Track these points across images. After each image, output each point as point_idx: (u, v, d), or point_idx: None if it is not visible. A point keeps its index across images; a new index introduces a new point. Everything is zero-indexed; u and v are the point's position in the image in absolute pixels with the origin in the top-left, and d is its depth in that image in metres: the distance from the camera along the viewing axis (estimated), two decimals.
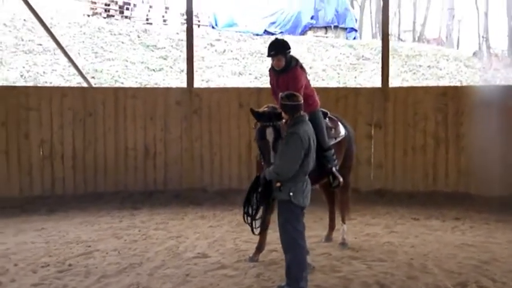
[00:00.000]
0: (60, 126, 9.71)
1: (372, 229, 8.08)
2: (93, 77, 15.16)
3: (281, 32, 21.48)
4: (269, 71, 6.56)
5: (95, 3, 19.96)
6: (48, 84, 14.00)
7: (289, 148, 5.20)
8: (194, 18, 21.89)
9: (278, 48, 6.23)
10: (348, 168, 7.09)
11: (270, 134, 5.47)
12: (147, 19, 20.20)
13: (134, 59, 16.50)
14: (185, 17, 21.30)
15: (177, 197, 10.00)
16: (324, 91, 11.11)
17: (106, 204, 9.51)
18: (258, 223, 5.73)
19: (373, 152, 10.30)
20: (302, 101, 5.40)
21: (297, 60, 6.40)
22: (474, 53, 24.58)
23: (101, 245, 7.10)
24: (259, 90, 10.53)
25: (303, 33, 24.32)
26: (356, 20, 28.82)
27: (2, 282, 5.67)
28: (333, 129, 6.66)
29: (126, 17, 19.92)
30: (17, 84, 13.81)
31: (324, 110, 6.77)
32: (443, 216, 8.84)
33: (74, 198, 9.69)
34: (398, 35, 39.58)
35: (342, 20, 26.11)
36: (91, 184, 9.92)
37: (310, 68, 18.14)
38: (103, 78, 15.16)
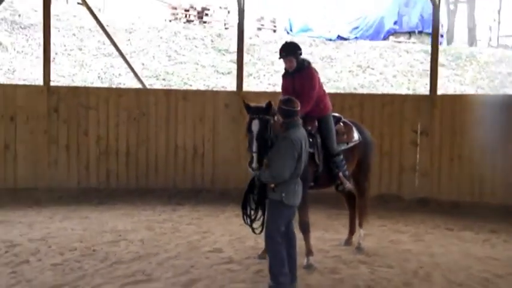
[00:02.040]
0: (116, 124, 10.44)
1: (398, 236, 8.05)
2: (163, 79, 16.03)
3: (356, 38, 21.36)
4: (282, 76, 6.77)
5: (176, 8, 20.96)
6: (122, 86, 14.95)
7: (283, 152, 5.43)
8: (270, 24, 22.39)
9: (288, 50, 6.48)
10: (364, 174, 7.14)
11: (255, 125, 5.75)
12: (224, 24, 20.89)
13: (205, 62, 17.18)
14: (261, 22, 21.93)
15: (222, 195, 10.39)
16: (370, 97, 11.17)
17: (154, 200, 10.07)
18: (257, 223, 5.91)
19: (418, 160, 10.18)
20: (298, 108, 5.59)
21: (309, 62, 6.60)
22: None
23: (131, 235, 7.65)
24: None
25: (386, 38, 24.05)
26: (442, 25, 27.96)
27: (30, 261, 6.36)
28: (345, 135, 6.75)
29: (204, 22, 20.74)
30: (94, 85, 14.89)
31: (336, 114, 6.88)
32: (479, 228, 8.58)
33: (126, 192, 10.33)
34: (497, 40, 37.84)
35: (427, 25, 25.41)
36: (142, 180, 10.56)
37: (380, 73, 17.97)
38: (173, 81, 15.95)
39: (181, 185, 10.61)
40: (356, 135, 6.88)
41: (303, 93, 6.27)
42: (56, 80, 14.63)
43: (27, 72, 15.10)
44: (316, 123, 6.50)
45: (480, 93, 15.19)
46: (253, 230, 5.79)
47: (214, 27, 20.31)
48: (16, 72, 14.95)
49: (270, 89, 16.11)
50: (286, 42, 6.71)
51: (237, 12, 10.97)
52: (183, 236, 7.74)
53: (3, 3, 12.92)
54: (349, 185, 6.62)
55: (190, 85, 15.83)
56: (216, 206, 9.86)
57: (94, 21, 11.42)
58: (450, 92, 16.51)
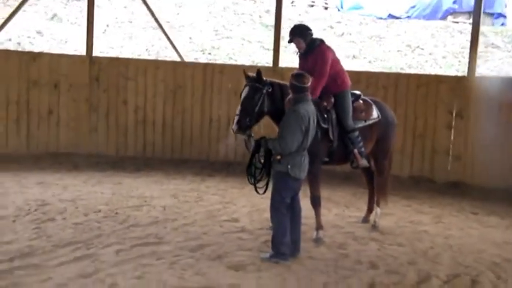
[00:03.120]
0: (153, 95, 10.78)
1: (419, 217, 7.99)
2: (209, 53, 16.26)
3: (408, 17, 20.82)
4: (298, 56, 6.82)
5: None
6: (168, 58, 15.29)
7: (291, 125, 5.55)
8: (322, 1, 22.15)
9: (294, 32, 6.61)
10: (383, 153, 7.10)
11: (244, 92, 6.15)
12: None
13: (251, 38, 17.27)
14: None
15: None
16: (405, 77, 10.95)
17: (186, 170, 10.36)
18: (262, 183, 5.93)
19: (452, 143, 10.00)
20: (309, 84, 5.69)
21: (321, 40, 6.62)
22: None
23: (155, 201, 7.97)
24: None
25: (444, 18, 23.35)
26: (506, 5, 26.80)
27: (55, 219, 6.75)
28: (363, 112, 6.73)
29: None
30: (141, 57, 15.30)
31: (356, 92, 6.87)
32: (506, 214, 8.39)
33: (160, 162, 10.67)
34: None
35: (489, 4, 24.34)
36: (177, 150, 10.89)
37: (430, 54, 17.53)
38: (219, 55, 16.14)
39: (214, 157, 10.85)
40: (375, 113, 6.85)
41: (316, 69, 6.34)
42: (105, 52, 15.15)
43: (79, 43, 15.65)
44: (333, 100, 6.53)
45: None
46: (256, 190, 5.92)
47: (265, 3, 20.30)
48: (68, 42, 15.55)
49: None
50: (294, 25, 6.81)
51: None
52: (205, 205, 7.98)
53: None
54: (363, 162, 6.63)
55: (236, 60, 15.98)
56: (244, 178, 9.97)
57: None
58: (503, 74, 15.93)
